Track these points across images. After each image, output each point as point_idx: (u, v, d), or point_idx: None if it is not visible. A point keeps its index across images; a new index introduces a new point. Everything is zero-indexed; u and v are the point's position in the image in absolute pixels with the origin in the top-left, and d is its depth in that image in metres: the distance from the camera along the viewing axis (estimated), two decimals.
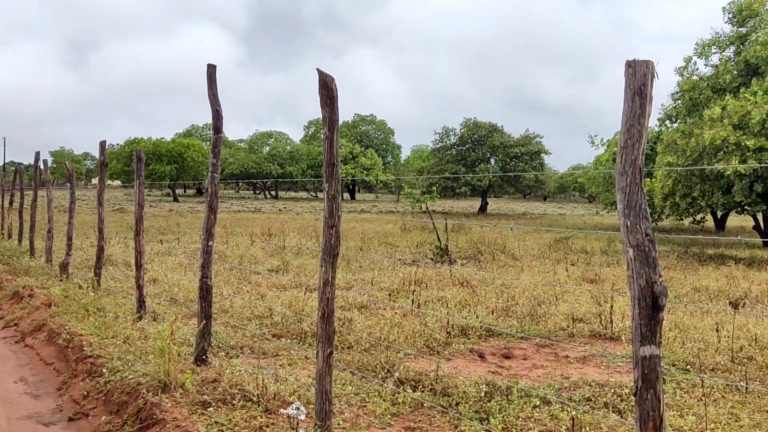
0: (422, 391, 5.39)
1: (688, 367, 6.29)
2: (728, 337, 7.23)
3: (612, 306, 8.60)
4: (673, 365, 6.35)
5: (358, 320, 8.07)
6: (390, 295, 10.00)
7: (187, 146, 69.59)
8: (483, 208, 56.72)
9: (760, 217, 24.13)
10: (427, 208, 19.42)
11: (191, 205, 56.47)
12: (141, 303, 8.27)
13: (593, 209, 60.44)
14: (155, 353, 5.65)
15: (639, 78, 2.57)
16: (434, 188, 27.78)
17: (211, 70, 6.35)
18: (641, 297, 2.54)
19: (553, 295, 10.19)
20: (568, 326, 8.14)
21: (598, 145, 34.49)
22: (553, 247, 19.90)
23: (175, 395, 5.16)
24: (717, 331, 7.32)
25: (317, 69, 4.41)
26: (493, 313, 8.79)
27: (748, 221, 31.67)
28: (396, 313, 8.73)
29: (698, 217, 25.59)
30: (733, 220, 39.22)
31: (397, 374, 5.71)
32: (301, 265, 14.25)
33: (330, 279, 4.47)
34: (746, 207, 19.00)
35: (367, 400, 5.21)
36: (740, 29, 19.84)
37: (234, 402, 4.95)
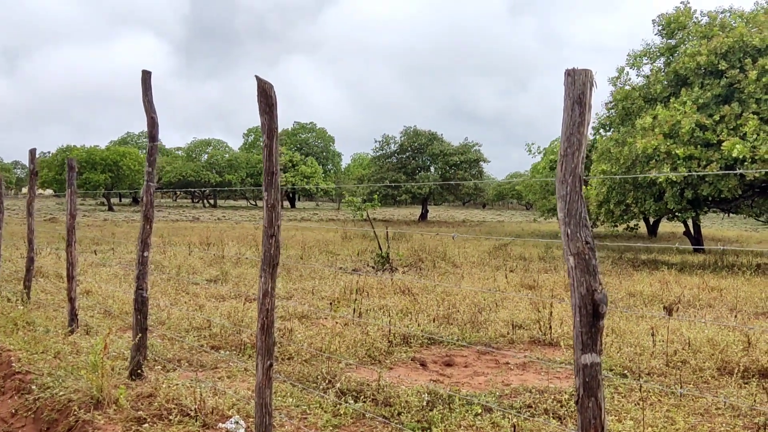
0: (364, 402, 5.34)
1: (626, 371, 6.40)
2: (663, 341, 7.40)
3: (551, 312, 8.71)
4: (611, 370, 6.45)
5: (298, 330, 7.97)
6: (331, 304, 9.92)
7: (122, 154, 68.03)
8: (423, 216, 57.06)
9: (690, 223, 24.91)
10: (368, 215, 19.40)
11: (127, 214, 55.16)
12: (73, 316, 7.99)
13: (531, 216, 61.50)
14: (88, 368, 5.46)
15: (578, 87, 2.59)
16: (375, 196, 27.77)
17: (146, 76, 6.20)
18: (582, 305, 2.55)
19: (494, 302, 10.27)
20: (508, 333, 8.21)
21: (534, 153, 35.08)
22: (492, 254, 20.12)
23: (109, 412, 4.98)
24: (652, 335, 7.48)
25: (256, 76, 4.33)
26: (434, 321, 8.80)
27: (679, 227, 32.68)
28: (337, 322, 8.66)
29: (632, 224, 26.27)
30: (665, 226, 40.46)
31: (338, 385, 5.64)
32: (241, 275, 14.04)
33: (270, 289, 4.38)
34: (677, 213, 19.57)
35: (309, 412, 5.13)
36: (669, 41, 20.47)
37: (170, 417, 4.80)
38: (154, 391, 5.29)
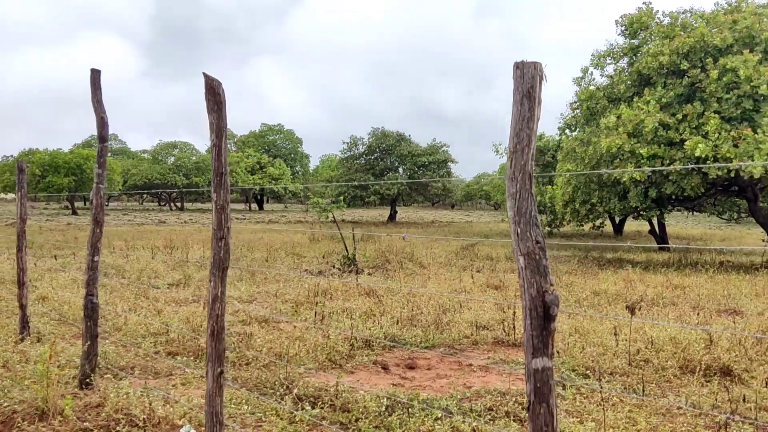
0: (322, 408, 5.20)
1: (588, 372, 6.35)
2: (626, 340, 7.37)
3: (515, 312, 8.65)
4: (574, 371, 6.40)
5: (258, 335, 7.79)
6: (293, 307, 9.76)
7: (86, 157, 66.84)
8: (392, 217, 56.96)
9: (655, 221, 25.15)
10: (334, 217, 19.22)
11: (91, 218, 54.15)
12: (24, 323, 7.72)
13: (499, 216, 61.78)
14: (35, 378, 5.24)
15: (527, 80, 2.48)
16: (342, 198, 27.63)
17: (95, 74, 5.99)
18: (532, 307, 2.44)
19: (458, 303, 10.19)
20: (472, 334, 8.13)
21: (502, 153, 35.18)
22: (459, 254, 20.07)
23: (54, 423, 4.78)
24: (615, 334, 7.44)
25: (203, 73, 4.18)
26: (398, 323, 8.68)
27: (644, 226, 33.02)
28: (296, 326, 8.50)
29: (597, 223, 26.46)
30: (631, 225, 40.88)
31: (296, 391, 5.50)
32: (204, 279, 13.78)
33: (220, 294, 4.22)
34: (642, 212, 19.73)
35: (264, 419, 4.97)
36: (632, 41, 20.62)
37: (118, 428, 4.62)
38: (102, 400, 5.09)
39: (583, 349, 7.18)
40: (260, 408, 5.18)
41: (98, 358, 6.03)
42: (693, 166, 6.47)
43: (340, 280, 13.36)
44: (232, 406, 5.14)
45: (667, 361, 6.64)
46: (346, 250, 16.57)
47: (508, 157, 2.53)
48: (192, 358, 6.91)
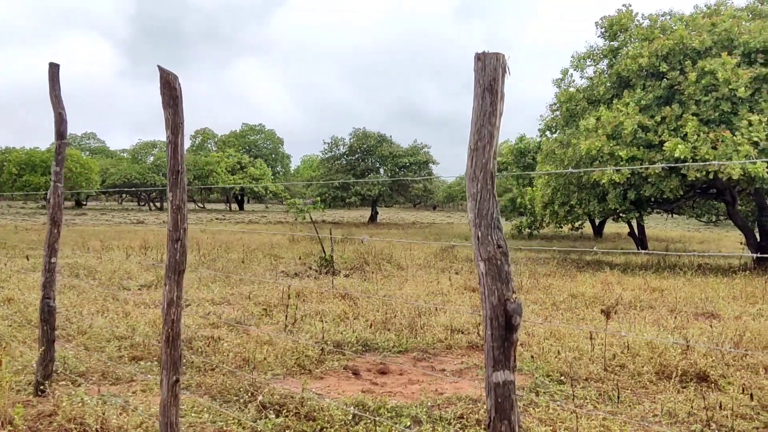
0: (286, 417, 5.00)
1: (563, 377, 6.20)
2: (602, 344, 7.24)
3: None
4: (548, 376, 6.25)
5: (227, 339, 7.58)
6: (266, 310, 9.55)
7: None
8: (373, 218, 56.80)
9: (634, 223, 25.17)
10: (311, 218, 19.00)
11: (68, 217, 53.53)
12: None
13: None
14: None
15: (489, 73, 2.31)
16: (318, 198, 27.42)
17: (54, 69, 5.76)
18: (493, 316, 2.27)
19: (434, 306, 10.03)
20: (446, 338, 7.96)
21: None
22: (438, 255, 19.94)
23: None
24: (591, 339, 7.31)
25: (158, 66, 3.98)
26: (371, 327, 8.50)
27: (624, 228, 33.07)
28: (266, 330, 8.29)
29: (576, 225, 26.44)
30: (611, 227, 40.96)
31: (260, 398, 5.30)
32: None
33: (175, 298, 4.02)
34: (621, 214, 19.68)
35: (225, 428, 4.77)
36: (612, 43, 20.56)
37: None
38: (55, 409, 4.86)
39: (558, 354, 7.04)
40: (222, 417, 4.98)
41: (56, 363, 5.81)
42: (670, 164, 6.35)
43: (316, 282, 13.17)
44: (193, 414, 4.94)
45: (643, 367, 6.51)
46: (324, 252, 16.36)
47: (469, 154, 2.36)
48: (156, 363, 6.68)
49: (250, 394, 5.50)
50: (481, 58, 2.32)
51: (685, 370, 6.34)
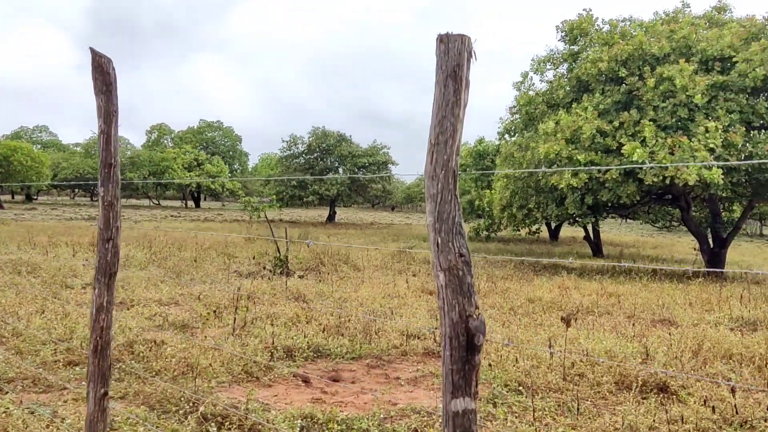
0: (228, 429, 4.67)
1: (521, 387, 5.98)
2: (561, 351, 7.05)
3: None
4: (506, 386, 6.02)
5: (171, 343, 7.19)
6: (214, 312, 9.16)
7: (13, 149, 64.12)
8: (331, 218, 56.35)
9: (590, 227, 25.27)
10: (266, 216, 18.57)
11: (18, 212, 51.91)
12: None
13: None
14: None
15: (453, 57, 2.04)
16: (274, 196, 26.98)
17: None
18: (453, 335, 1.99)
19: (390, 309, 9.76)
20: (401, 344, 7.69)
21: None
22: (396, 257, 19.68)
23: None
24: (549, 346, 7.11)
25: (90, 48, 3.62)
26: (324, 331, 8.19)
27: (579, 232, 33.29)
28: (210, 334, 7.91)
29: (534, 228, 26.45)
30: (566, 231, 41.26)
31: (202, 409, 4.95)
32: (125, 278, 13.02)
33: (106, 303, 3.67)
34: (578, 218, 19.69)
35: None
36: (572, 47, 20.57)
37: None
38: None
39: (516, 362, 6.82)
40: (159, 429, 4.63)
41: None
42: (625, 166, 6.18)
43: (269, 283, 12.80)
44: (127, 427, 4.57)
45: (602, 376, 6.33)
46: (278, 252, 15.97)
47: (428, 150, 2.08)
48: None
49: (191, 404, 5.15)
50: (444, 41, 2.04)
51: (645, 380, 6.17)
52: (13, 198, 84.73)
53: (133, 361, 6.33)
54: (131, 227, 35.49)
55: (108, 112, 3.62)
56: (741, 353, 7.26)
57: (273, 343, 7.17)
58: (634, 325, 9.24)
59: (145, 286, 11.84)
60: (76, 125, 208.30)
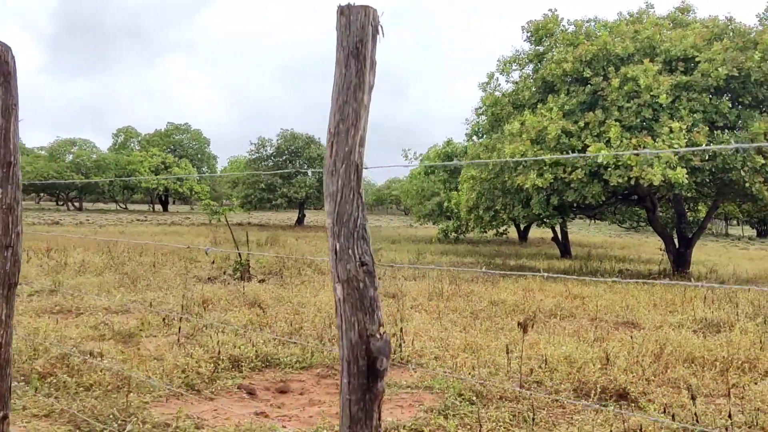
0: None
1: (476, 397, 5.71)
2: (519, 357, 6.80)
3: (401, 329, 7.94)
4: (460, 395, 5.74)
5: (111, 353, 6.81)
6: (164, 319, 8.78)
7: None
8: (300, 221, 55.90)
9: (558, 229, 25.20)
10: (226, 220, 18.15)
11: None
12: None
13: (408, 222, 61.60)
14: None
15: (355, 32, 1.75)
16: (234, 199, 26.55)
17: None
18: (352, 358, 1.70)
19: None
20: None
21: (411, 159, 34.83)
22: None
23: None
24: (507, 352, 6.85)
25: None
26: (275, 339, 7.85)
27: (548, 233, 33.30)
28: (155, 343, 7.54)
29: (501, 230, 26.32)
30: (535, 232, 41.27)
31: (129, 427, 4.60)
32: (79, 285, 12.55)
33: (5, 318, 3.33)
34: (545, 219, 19.56)
35: None
36: (538, 48, 20.46)
37: None
38: None
39: (473, 369, 6.56)
40: None
41: None
42: (582, 155, 5.96)
43: (227, 288, 12.43)
44: None
45: (561, 383, 6.09)
46: (239, 256, 15.58)
47: (328, 140, 1.78)
48: (22, 383, 5.88)
49: (120, 422, 4.80)
50: (345, 13, 1.75)
51: (605, 386, 5.94)
52: None
53: (65, 375, 5.94)
54: (95, 231, 34.76)
55: (6, 105, 3.28)
56: (703, 356, 7.08)
57: (219, 352, 6.82)
58: (596, 328, 9.04)
59: (97, 293, 11.40)
60: (41, 129, 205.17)
